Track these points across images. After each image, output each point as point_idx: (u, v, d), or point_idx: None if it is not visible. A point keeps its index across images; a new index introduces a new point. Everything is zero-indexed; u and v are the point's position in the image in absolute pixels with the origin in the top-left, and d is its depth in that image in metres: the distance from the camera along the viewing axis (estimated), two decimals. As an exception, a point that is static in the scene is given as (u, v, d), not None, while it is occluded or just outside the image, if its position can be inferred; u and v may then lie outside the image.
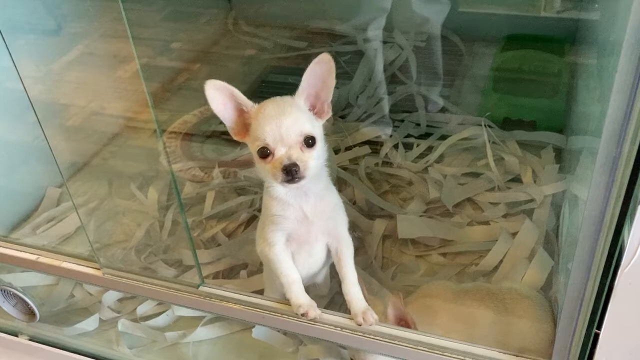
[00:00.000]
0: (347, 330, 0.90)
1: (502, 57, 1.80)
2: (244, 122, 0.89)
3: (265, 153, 0.85)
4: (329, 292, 1.13)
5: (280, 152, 0.84)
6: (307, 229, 0.94)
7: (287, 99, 0.88)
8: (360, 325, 0.90)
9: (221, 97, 0.87)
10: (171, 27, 2.15)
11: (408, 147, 1.58)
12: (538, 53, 1.76)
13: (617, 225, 0.62)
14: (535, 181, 1.43)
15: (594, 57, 1.37)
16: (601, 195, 0.60)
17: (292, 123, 0.84)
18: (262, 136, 0.84)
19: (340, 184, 1.46)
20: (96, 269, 1.02)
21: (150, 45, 2.07)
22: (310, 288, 1.03)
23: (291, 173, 0.83)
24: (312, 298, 0.93)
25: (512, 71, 1.76)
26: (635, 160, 0.57)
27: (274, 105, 0.87)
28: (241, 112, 0.89)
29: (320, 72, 0.88)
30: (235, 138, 0.91)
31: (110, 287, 1.08)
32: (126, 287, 1.01)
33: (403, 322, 0.93)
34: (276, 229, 0.94)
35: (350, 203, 1.40)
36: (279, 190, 0.91)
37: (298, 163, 0.83)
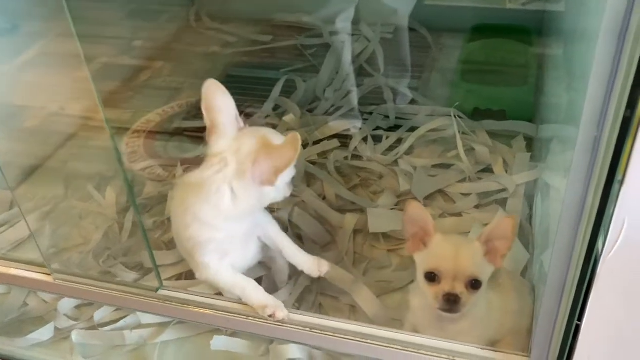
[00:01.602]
0: (317, 331, 0.85)
1: (470, 48, 1.78)
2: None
3: None
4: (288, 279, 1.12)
5: None
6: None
7: None
8: (318, 277, 0.94)
9: None
10: (133, 25, 2.11)
11: (377, 139, 1.55)
12: (506, 42, 1.75)
13: (598, 210, 0.58)
14: (506, 171, 1.41)
15: (562, 45, 1.35)
16: (582, 178, 0.57)
17: None
18: None
19: (309, 178, 1.42)
20: (47, 274, 0.95)
21: (112, 44, 2.02)
22: (270, 280, 1.01)
23: None
24: (275, 293, 0.89)
25: (481, 61, 1.75)
26: (618, 139, 0.53)
27: None
28: None
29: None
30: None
31: (62, 293, 1.01)
32: (79, 293, 0.94)
33: (422, 231, 0.89)
34: (207, 252, 0.92)
35: (320, 198, 1.36)
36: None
37: None
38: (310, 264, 0.97)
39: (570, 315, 0.67)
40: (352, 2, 1.83)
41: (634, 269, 0.60)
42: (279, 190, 0.92)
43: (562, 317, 0.67)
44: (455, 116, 1.50)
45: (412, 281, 0.99)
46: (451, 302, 0.83)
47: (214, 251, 0.91)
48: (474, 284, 0.84)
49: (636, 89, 0.50)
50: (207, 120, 0.91)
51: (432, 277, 0.85)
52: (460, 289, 0.83)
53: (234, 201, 0.88)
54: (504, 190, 1.33)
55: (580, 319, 0.66)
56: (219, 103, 0.90)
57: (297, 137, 0.84)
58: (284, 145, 0.86)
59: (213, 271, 0.92)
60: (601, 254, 0.60)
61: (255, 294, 0.89)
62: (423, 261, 0.88)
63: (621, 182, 0.55)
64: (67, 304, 1.17)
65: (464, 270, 0.84)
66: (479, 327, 0.90)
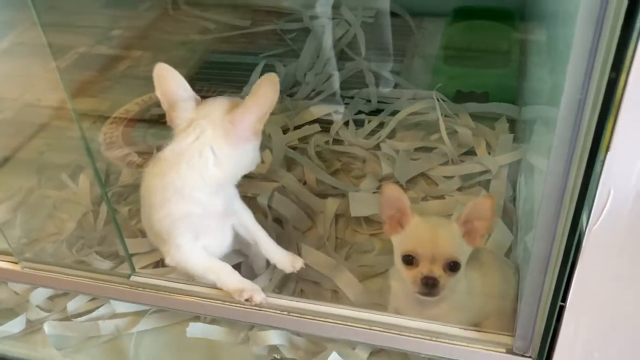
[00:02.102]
0: (297, 315, 0.82)
1: (452, 30, 1.76)
2: None
3: None
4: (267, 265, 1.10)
5: None
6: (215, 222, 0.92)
7: None
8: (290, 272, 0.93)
9: None
10: (111, 15, 2.08)
11: (359, 124, 1.52)
12: (488, 24, 1.73)
13: (583, 180, 0.56)
14: (489, 153, 1.39)
15: (544, 26, 1.34)
16: (566, 146, 0.54)
17: None
18: None
19: (289, 163, 1.39)
20: (14, 263, 0.91)
21: (89, 34, 1.99)
22: (248, 267, 1.01)
23: None
24: (255, 280, 0.86)
25: (463, 44, 1.72)
26: (603, 104, 0.51)
27: None
28: None
29: None
30: None
31: (31, 282, 0.97)
32: (48, 281, 0.90)
33: (399, 213, 0.87)
34: (182, 231, 0.89)
35: (301, 183, 1.33)
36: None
37: None
38: (284, 260, 0.96)
39: (554, 292, 0.65)
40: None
41: (620, 240, 0.58)
42: (256, 150, 0.92)
43: (546, 295, 0.65)
44: (437, 99, 1.47)
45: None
46: (429, 286, 0.81)
47: (189, 229, 0.88)
48: (452, 266, 0.83)
49: (621, 50, 0.47)
50: (164, 104, 0.92)
51: (409, 259, 0.83)
52: (438, 271, 0.81)
53: (218, 165, 0.87)
54: (486, 172, 1.31)
55: (565, 296, 0.64)
56: (173, 83, 0.91)
57: (273, 77, 0.84)
58: (262, 87, 0.85)
59: (186, 254, 0.89)
60: (586, 227, 0.58)
61: (230, 277, 0.86)
62: (400, 244, 0.86)
63: (606, 150, 0.53)
64: (39, 295, 1.13)
65: (441, 253, 0.82)
66: (460, 309, 0.88)
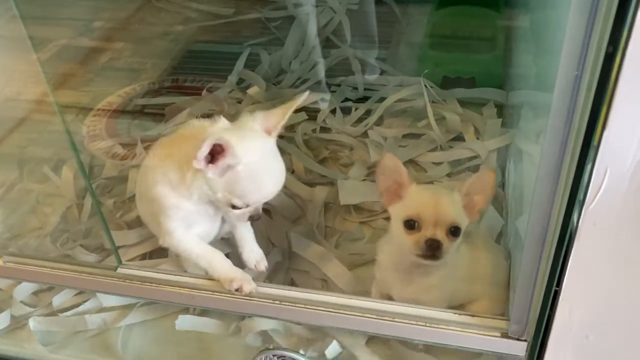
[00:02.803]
0: (288, 303, 0.81)
1: (437, 15, 1.75)
2: None
3: None
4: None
5: None
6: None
7: None
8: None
9: None
10: (91, 6, 2.05)
11: (346, 111, 1.51)
12: (473, 9, 1.72)
13: (579, 160, 0.55)
14: (478, 138, 1.38)
15: (530, 9, 1.33)
16: (561, 124, 0.53)
17: None
18: None
19: (276, 152, 1.37)
20: (-5, 257, 0.89)
21: (70, 25, 1.97)
22: (237, 256, 0.97)
23: None
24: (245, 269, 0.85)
25: (448, 29, 1.71)
26: (599, 79, 0.50)
27: None
28: None
29: None
30: None
31: (15, 276, 0.95)
32: (33, 276, 0.88)
33: (396, 184, 0.86)
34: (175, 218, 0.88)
35: (289, 172, 1.31)
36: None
37: None
38: (251, 256, 0.96)
39: (550, 275, 0.64)
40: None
41: (616, 220, 0.57)
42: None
43: (541, 278, 0.64)
44: (425, 85, 1.46)
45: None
46: (433, 248, 0.80)
47: (180, 217, 0.87)
48: (454, 231, 0.82)
49: (620, 21, 0.46)
50: None
51: (411, 224, 0.83)
52: (441, 235, 0.81)
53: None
54: (475, 157, 1.31)
55: (560, 279, 0.63)
56: None
57: None
58: None
59: (177, 239, 0.88)
60: (582, 207, 0.57)
61: (222, 266, 0.85)
62: (400, 211, 0.85)
63: (603, 127, 0.52)
64: (23, 290, 1.10)
65: (444, 217, 0.82)
66: (449, 282, 0.88)
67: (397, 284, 0.90)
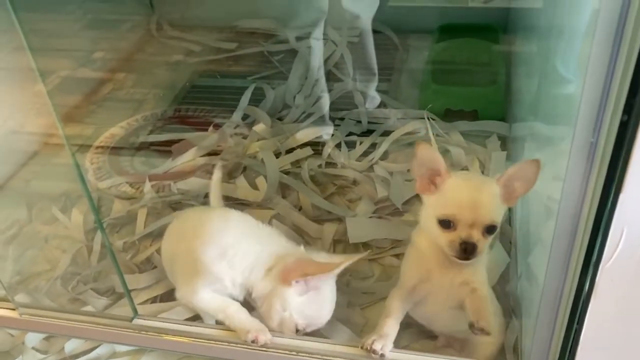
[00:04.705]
0: (304, 354, 0.81)
1: (438, 48, 1.77)
2: None
3: None
4: None
5: None
6: None
7: None
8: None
9: None
10: (92, 37, 2.07)
11: (351, 145, 1.52)
12: (473, 41, 1.75)
13: (595, 220, 0.56)
14: (483, 171, 1.39)
15: (534, 42, 1.35)
16: (578, 186, 0.54)
17: None
18: None
19: (283, 189, 1.38)
20: (11, 309, 0.89)
21: (70, 57, 1.98)
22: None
23: None
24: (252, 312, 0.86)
25: (450, 61, 1.74)
26: (615, 145, 0.51)
27: None
28: None
29: None
30: None
31: (30, 328, 0.95)
32: (49, 327, 0.88)
33: (431, 172, 0.83)
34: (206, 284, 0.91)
35: (296, 209, 1.32)
36: None
37: None
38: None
39: (568, 325, 0.65)
40: (322, 13, 1.81)
41: (632, 277, 0.58)
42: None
43: (558, 331, 0.65)
44: (428, 118, 1.48)
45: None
46: (468, 251, 0.79)
47: (211, 285, 0.90)
48: (490, 229, 0.80)
49: (634, 91, 0.48)
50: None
51: (447, 223, 0.80)
52: (477, 236, 0.79)
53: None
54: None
55: (579, 330, 0.64)
56: None
57: None
58: None
59: (198, 297, 0.90)
60: (599, 265, 0.58)
61: (238, 316, 0.86)
62: (436, 206, 0.83)
63: (619, 190, 0.53)
64: (35, 337, 1.10)
65: (482, 217, 0.79)
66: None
67: (434, 272, 0.87)
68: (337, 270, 0.88)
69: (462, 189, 0.82)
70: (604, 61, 0.48)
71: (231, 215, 1.00)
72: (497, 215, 0.81)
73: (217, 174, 1.19)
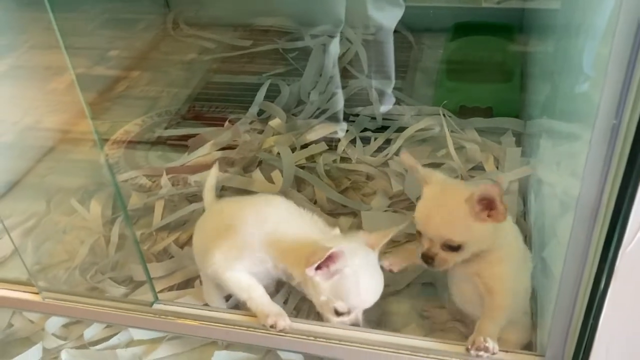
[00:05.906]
0: (322, 340, 0.82)
1: (453, 46, 1.78)
2: None
3: None
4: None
5: None
6: None
7: None
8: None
9: None
10: (107, 35, 2.09)
11: (365, 141, 1.53)
12: (488, 39, 1.75)
13: (616, 205, 0.56)
14: (497, 167, 1.39)
15: (550, 40, 1.35)
16: (598, 170, 0.55)
17: None
18: None
19: (298, 183, 1.39)
20: (34, 293, 0.91)
21: (86, 55, 2.00)
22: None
23: None
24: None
25: (464, 59, 1.74)
26: (638, 127, 0.51)
27: None
28: None
29: None
30: None
31: (52, 312, 0.97)
32: (70, 311, 0.90)
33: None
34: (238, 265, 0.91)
35: (311, 202, 1.33)
36: None
37: None
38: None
39: (586, 313, 0.65)
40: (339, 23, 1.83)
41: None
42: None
43: (577, 317, 0.65)
44: (443, 115, 1.48)
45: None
46: (427, 261, 0.83)
47: (243, 266, 0.91)
48: (451, 247, 0.83)
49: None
50: None
51: (417, 231, 0.86)
52: (436, 250, 0.83)
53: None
54: (497, 187, 1.31)
55: (597, 317, 0.64)
56: None
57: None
58: None
59: (227, 274, 0.91)
60: (619, 249, 0.58)
61: (261, 300, 0.87)
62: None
63: (640, 173, 0.53)
64: (54, 323, 1.12)
65: (439, 235, 0.83)
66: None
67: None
68: (336, 252, 0.83)
69: (428, 203, 0.86)
70: (626, 48, 0.48)
71: (277, 199, 1.02)
72: (458, 234, 0.82)
73: (214, 170, 1.19)
